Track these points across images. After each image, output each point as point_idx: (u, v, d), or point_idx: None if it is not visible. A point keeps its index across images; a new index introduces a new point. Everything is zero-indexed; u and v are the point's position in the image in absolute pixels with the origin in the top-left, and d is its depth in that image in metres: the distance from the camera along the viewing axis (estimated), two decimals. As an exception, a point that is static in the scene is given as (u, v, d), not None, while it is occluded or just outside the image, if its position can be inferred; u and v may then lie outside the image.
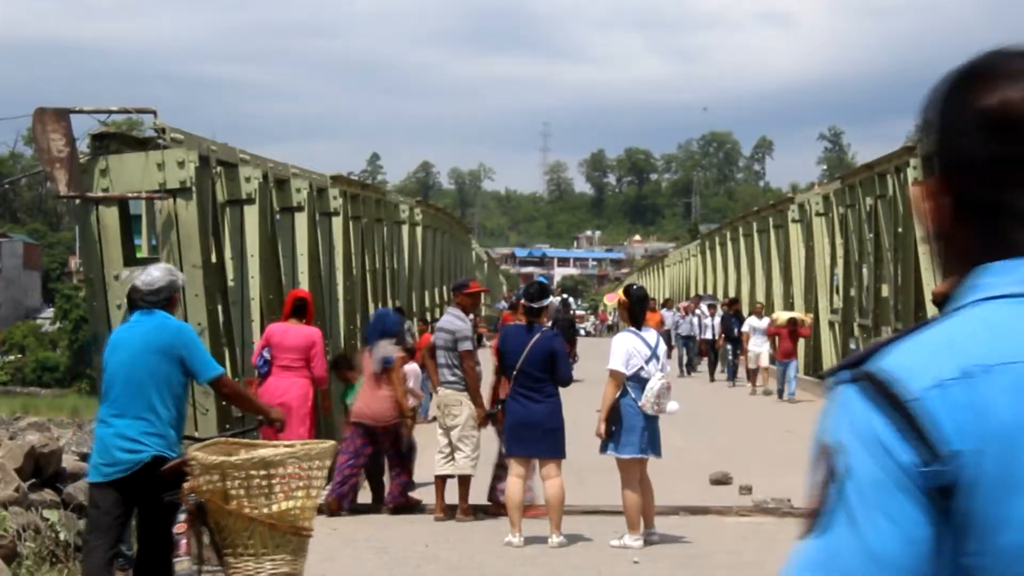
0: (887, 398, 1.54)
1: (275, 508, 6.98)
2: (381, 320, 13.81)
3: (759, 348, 28.89)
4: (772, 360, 28.22)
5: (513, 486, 11.32)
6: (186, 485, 7.16)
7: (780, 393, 27.25)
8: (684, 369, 34.57)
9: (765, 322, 28.77)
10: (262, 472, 6.91)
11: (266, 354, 12.88)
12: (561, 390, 11.52)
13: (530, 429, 11.27)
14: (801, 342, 28.63)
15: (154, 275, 8.11)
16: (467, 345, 12.47)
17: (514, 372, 11.38)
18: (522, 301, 12.13)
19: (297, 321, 13.14)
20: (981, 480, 1.51)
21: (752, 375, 29.34)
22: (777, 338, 27.40)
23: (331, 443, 7.81)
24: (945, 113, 1.66)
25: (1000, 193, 1.61)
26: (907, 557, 1.51)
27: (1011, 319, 1.58)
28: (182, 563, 7.41)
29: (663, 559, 10.79)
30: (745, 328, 29.68)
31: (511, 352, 11.46)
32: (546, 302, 11.88)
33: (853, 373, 1.58)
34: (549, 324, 12.15)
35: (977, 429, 1.52)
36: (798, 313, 28.51)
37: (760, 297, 37.01)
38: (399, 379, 12.95)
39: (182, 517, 7.35)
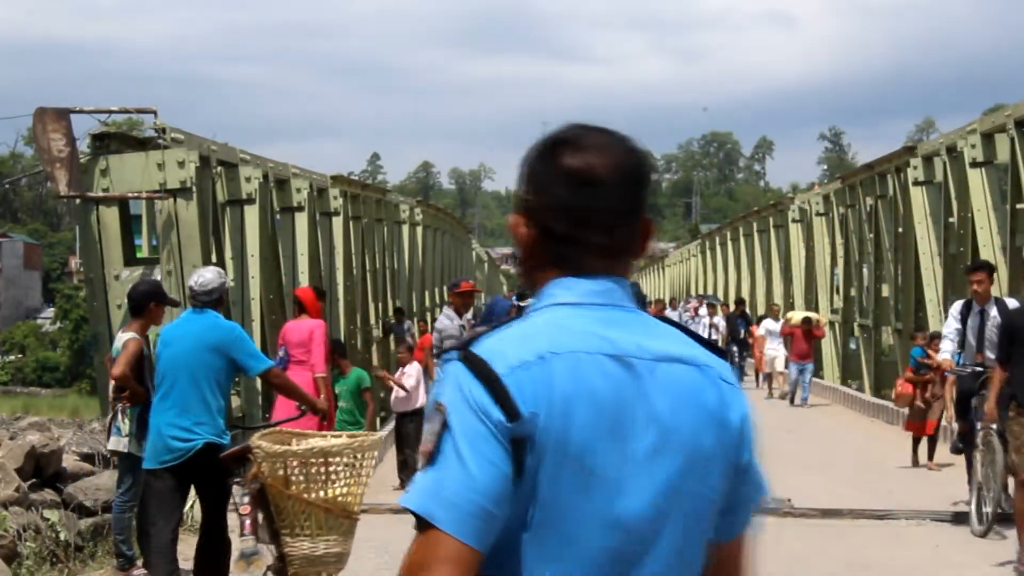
0: (483, 373, 2.07)
1: (330, 494, 7.53)
2: (491, 309, 13.86)
3: (775, 351, 27.73)
4: (787, 363, 26.96)
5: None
6: (251, 471, 7.70)
7: (793, 398, 25.99)
8: None
9: (773, 322, 28.00)
10: (320, 460, 7.47)
11: (282, 352, 12.97)
12: None
13: None
14: (825, 346, 27.73)
15: (207, 276, 8.66)
16: (451, 344, 12.45)
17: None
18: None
19: (307, 317, 13.21)
20: (548, 433, 2.07)
21: (768, 379, 28.38)
22: (791, 339, 26.36)
23: (379, 435, 8.61)
24: (539, 169, 2.24)
25: (577, 230, 2.20)
26: (497, 484, 2.04)
27: (571, 320, 2.16)
28: (247, 541, 8.01)
29: (663, 559, 10.78)
30: (761, 331, 28.74)
31: None
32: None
33: (460, 353, 2.11)
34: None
35: (546, 397, 2.07)
36: (812, 312, 27.47)
37: (760, 297, 37.01)
38: None
39: (246, 499, 7.91)
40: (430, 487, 2.04)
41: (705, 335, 35.46)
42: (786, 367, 27.15)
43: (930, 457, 16.63)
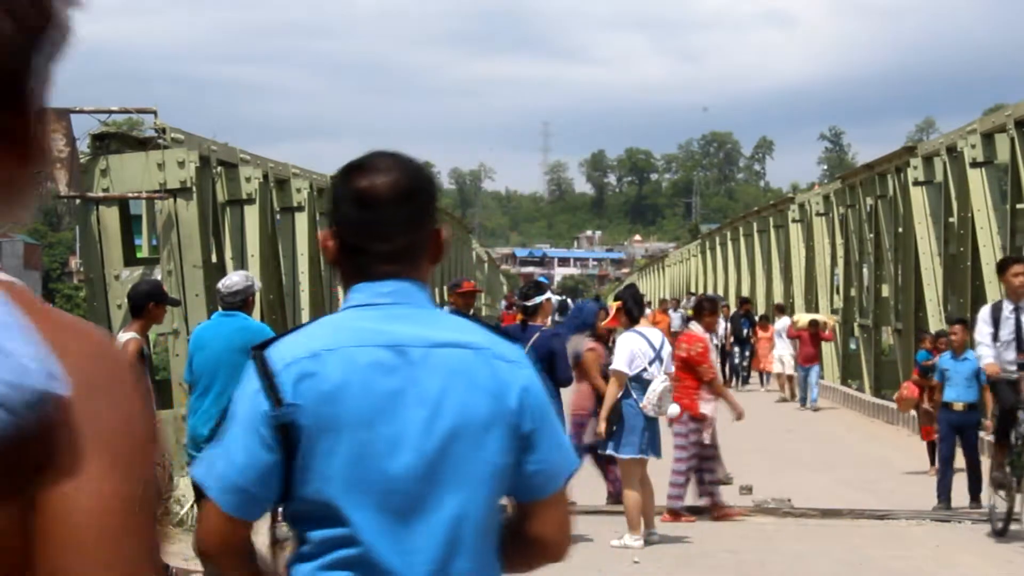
0: (262, 369, 2.51)
1: None
2: (579, 312, 13.77)
3: (784, 352, 27.40)
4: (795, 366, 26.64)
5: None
6: None
7: (803, 401, 25.67)
8: None
9: (783, 323, 27.54)
10: None
11: None
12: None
13: None
14: (825, 346, 27.26)
15: (233, 279, 9.08)
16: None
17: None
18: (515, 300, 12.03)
19: None
20: (319, 418, 2.48)
21: (780, 380, 28.05)
22: (798, 341, 25.96)
23: None
24: (337, 191, 2.66)
25: (364, 241, 2.61)
26: (255, 467, 2.49)
27: (355, 319, 2.58)
28: (281, 528, 8.29)
29: (663, 559, 10.79)
30: (773, 332, 28.41)
31: None
32: (540, 299, 11.48)
33: (252, 352, 2.55)
34: (550, 322, 12.02)
35: (315, 389, 2.48)
36: (820, 315, 26.97)
37: (760, 297, 36.96)
38: (590, 370, 12.68)
39: None
40: (207, 461, 2.56)
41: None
42: (794, 370, 26.88)
43: (932, 463, 16.24)
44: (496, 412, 2.54)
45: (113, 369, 1.24)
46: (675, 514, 12.53)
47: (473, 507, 2.53)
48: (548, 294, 11.80)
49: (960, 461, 13.71)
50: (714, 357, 12.73)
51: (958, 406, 13.54)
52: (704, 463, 12.76)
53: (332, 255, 2.66)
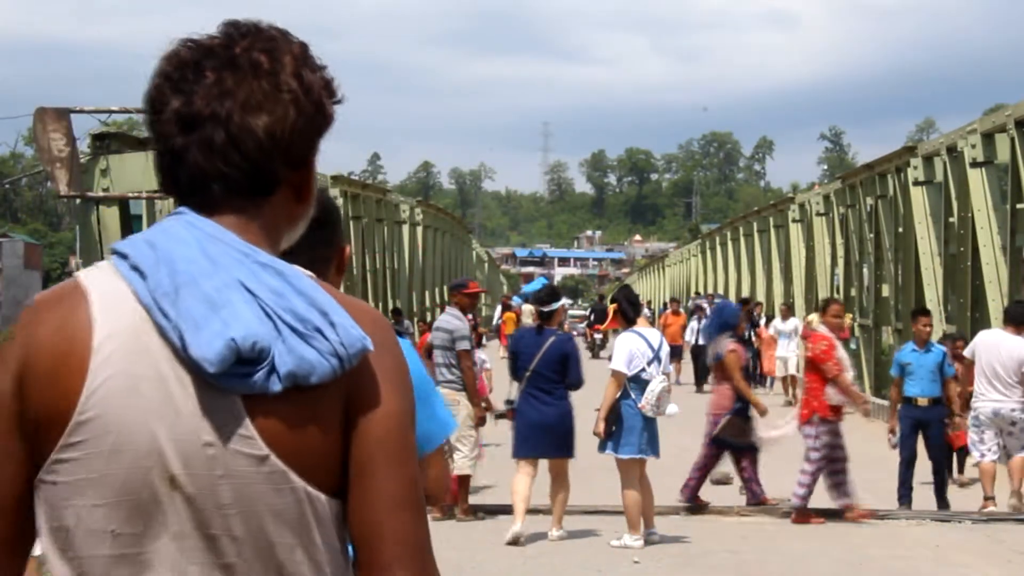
0: None
1: None
2: (720, 313, 13.83)
3: (786, 353, 26.69)
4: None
5: (521, 482, 11.31)
6: None
7: None
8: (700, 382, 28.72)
9: (791, 324, 26.97)
10: None
11: None
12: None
13: (541, 431, 11.22)
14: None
15: None
16: (465, 344, 12.39)
17: (527, 374, 11.34)
18: (521, 305, 12.07)
19: None
20: None
21: (784, 383, 27.10)
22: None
23: None
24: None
25: (293, 247, 3.07)
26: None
27: None
28: None
29: (663, 559, 10.79)
30: (771, 331, 27.88)
31: (524, 354, 11.41)
32: (556, 305, 11.63)
33: None
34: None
35: None
36: None
37: (761, 297, 36.98)
38: (731, 371, 12.82)
39: None
40: None
41: (694, 340, 34.31)
42: (798, 370, 26.56)
43: (960, 471, 15.70)
44: None
45: (387, 329, 1.87)
46: (804, 515, 12.51)
47: None
48: (563, 300, 11.98)
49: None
50: (842, 354, 12.73)
51: (922, 401, 13.38)
52: (833, 464, 12.73)
53: None
